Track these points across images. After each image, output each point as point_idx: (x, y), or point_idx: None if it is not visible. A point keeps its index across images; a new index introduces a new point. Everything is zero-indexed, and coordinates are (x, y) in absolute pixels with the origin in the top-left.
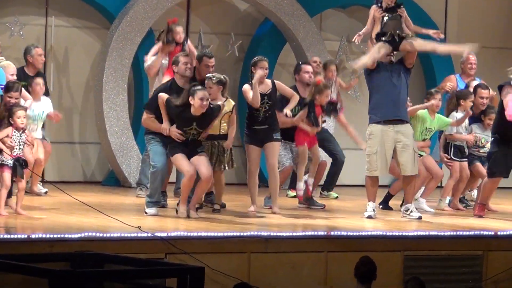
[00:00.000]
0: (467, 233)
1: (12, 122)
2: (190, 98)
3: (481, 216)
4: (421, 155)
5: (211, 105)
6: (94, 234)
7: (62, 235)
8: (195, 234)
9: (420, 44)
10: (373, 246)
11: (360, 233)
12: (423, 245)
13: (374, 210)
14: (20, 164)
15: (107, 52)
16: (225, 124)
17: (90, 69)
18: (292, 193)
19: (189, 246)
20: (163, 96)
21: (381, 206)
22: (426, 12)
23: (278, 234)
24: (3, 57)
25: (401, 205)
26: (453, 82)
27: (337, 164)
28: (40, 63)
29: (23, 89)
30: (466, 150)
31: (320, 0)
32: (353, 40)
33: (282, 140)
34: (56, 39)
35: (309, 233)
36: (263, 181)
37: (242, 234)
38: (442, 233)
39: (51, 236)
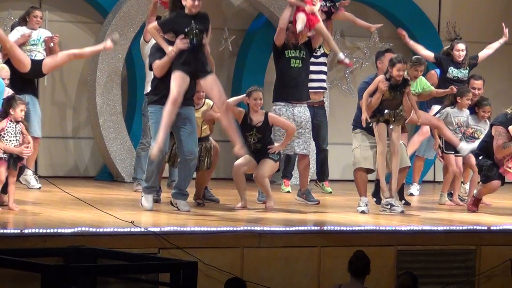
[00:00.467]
0: (460, 227)
1: (12, 113)
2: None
3: (475, 211)
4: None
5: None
6: (87, 229)
7: (55, 230)
8: (188, 229)
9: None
10: (366, 241)
11: (353, 228)
12: (416, 239)
13: (366, 204)
14: (14, 158)
15: None
16: (205, 127)
17: (84, 64)
18: (286, 188)
19: (182, 241)
20: (152, 24)
21: (375, 199)
22: (420, 8)
23: (272, 229)
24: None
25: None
26: (434, 78)
27: (321, 151)
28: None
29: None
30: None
31: None
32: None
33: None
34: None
35: (303, 228)
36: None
37: (235, 229)
38: (435, 228)
39: (44, 231)
